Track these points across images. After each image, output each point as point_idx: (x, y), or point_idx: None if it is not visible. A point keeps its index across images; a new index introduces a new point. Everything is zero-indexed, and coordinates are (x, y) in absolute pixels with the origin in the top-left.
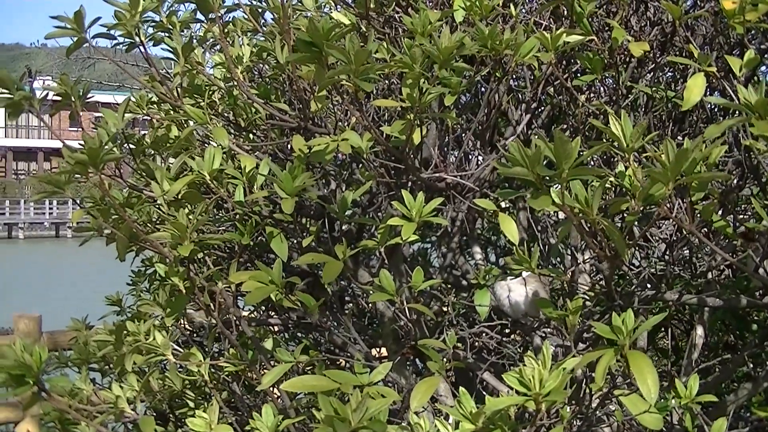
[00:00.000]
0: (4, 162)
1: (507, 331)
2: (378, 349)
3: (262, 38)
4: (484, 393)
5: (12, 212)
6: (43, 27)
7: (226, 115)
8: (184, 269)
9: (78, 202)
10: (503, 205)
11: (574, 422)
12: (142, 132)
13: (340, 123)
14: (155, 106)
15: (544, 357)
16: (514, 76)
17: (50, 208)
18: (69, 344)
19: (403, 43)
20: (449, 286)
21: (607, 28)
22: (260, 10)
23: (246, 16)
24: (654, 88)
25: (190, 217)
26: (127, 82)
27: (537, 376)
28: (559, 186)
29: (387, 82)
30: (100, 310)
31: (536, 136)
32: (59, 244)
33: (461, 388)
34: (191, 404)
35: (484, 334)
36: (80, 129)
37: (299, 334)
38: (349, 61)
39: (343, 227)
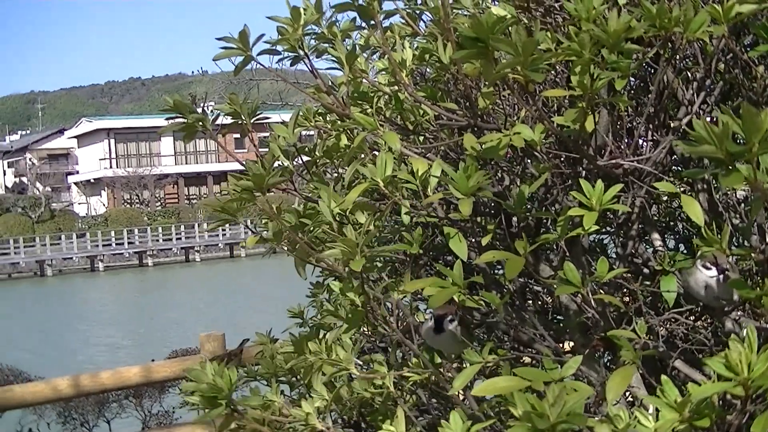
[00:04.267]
0: (176, 188)
1: (692, 317)
2: (561, 344)
3: (421, 41)
4: (676, 381)
5: (188, 236)
6: (204, 56)
7: (393, 120)
8: (358, 284)
9: (250, 225)
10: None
11: None
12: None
13: (509, 117)
14: (321, 117)
15: (750, 340)
16: (683, 54)
17: (223, 230)
18: (254, 359)
19: (568, 30)
20: (631, 275)
21: None
22: (417, 13)
23: (403, 21)
24: None
25: (361, 230)
26: (290, 101)
27: (744, 360)
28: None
29: (553, 72)
30: (280, 324)
31: (719, 113)
32: (234, 264)
33: (663, 377)
34: (381, 410)
35: (672, 322)
36: (246, 150)
37: (482, 335)
38: (517, 53)
39: (520, 223)
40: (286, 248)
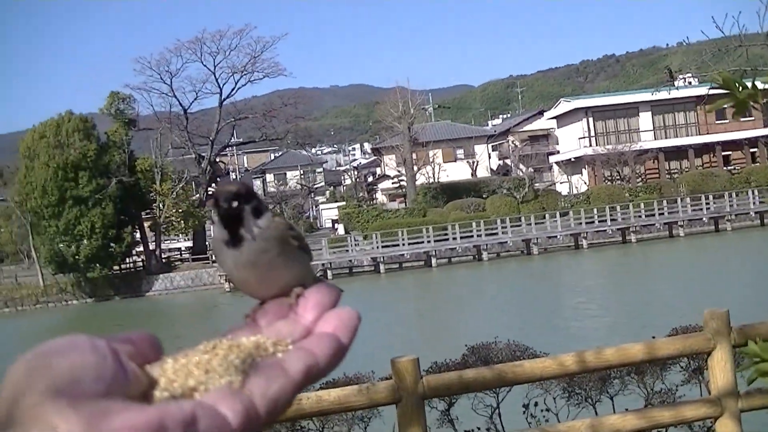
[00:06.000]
0: (656, 163)
1: None
2: None
3: None
4: None
5: (670, 211)
6: (682, 25)
7: None
8: None
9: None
10: None
11: None
12: None
13: None
14: None
15: None
16: None
17: (707, 204)
18: (761, 337)
19: None
20: None
21: None
22: None
23: None
24: None
25: None
26: None
27: None
28: None
29: None
30: None
31: None
32: (719, 239)
33: None
34: None
35: None
36: (728, 121)
37: None
38: None
39: None
40: None
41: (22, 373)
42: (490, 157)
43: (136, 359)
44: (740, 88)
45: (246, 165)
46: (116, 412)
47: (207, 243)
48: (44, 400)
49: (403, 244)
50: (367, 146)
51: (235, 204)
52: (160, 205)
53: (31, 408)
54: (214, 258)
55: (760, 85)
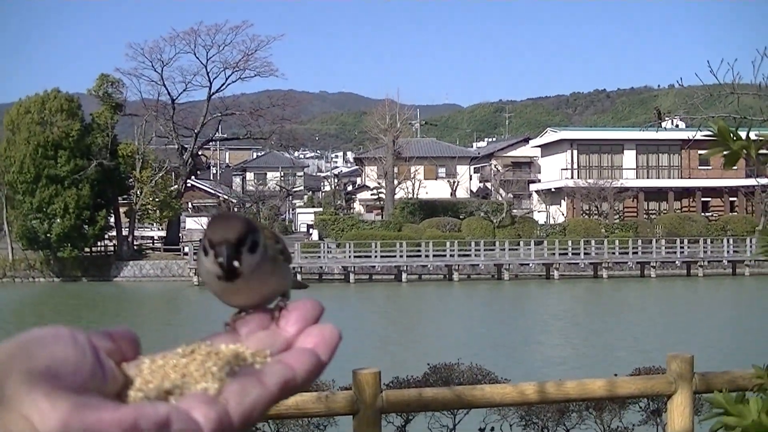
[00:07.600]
0: (635, 202)
1: None
2: None
3: None
4: None
5: (644, 251)
6: (671, 69)
7: None
8: None
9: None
10: None
11: None
12: None
13: None
14: None
15: None
16: None
17: (681, 247)
18: (722, 387)
19: None
20: None
21: None
22: None
23: None
24: None
25: None
26: None
27: None
28: None
29: None
30: (754, 350)
31: None
32: (691, 283)
33: None
34: None
35: None
36: (710, 168)
37: None
38: None
39: None
40: None
41: (1, 360)
42: (471, 179)
43: (114, 356)
44: (734, 138)
45: (228, 161)
46: (91, 408)
47: (180, 235)
48: (21, 390)
49: (376, 256)
50: (350, 155)
51: (234, 259)
52: (138, 192)
53: (7, 396)
54: (186, 250)
55: (752, 136)
